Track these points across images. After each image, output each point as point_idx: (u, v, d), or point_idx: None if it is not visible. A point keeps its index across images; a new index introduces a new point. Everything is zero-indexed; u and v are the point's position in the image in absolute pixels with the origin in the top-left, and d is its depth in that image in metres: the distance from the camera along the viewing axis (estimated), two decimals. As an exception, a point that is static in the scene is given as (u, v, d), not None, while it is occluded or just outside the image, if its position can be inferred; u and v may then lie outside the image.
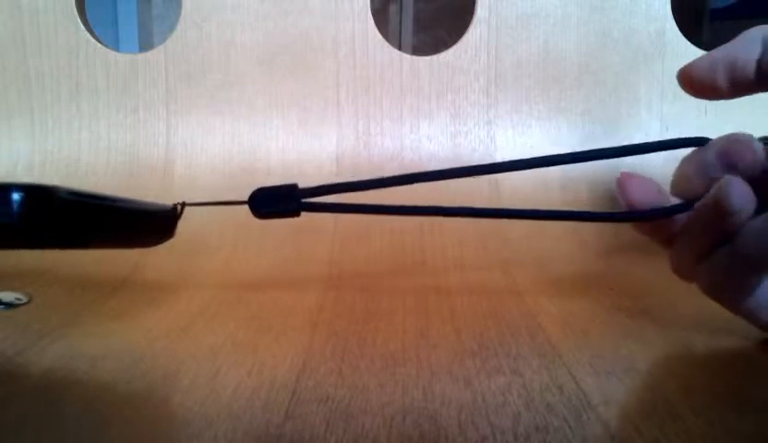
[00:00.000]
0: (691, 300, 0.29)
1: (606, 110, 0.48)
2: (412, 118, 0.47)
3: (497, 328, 0.30)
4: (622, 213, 0.27)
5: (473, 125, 0.48)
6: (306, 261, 0.40)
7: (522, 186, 0.46)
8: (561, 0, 0.48)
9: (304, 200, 0.28)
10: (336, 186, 0.29)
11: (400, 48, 0.48)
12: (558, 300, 0.34)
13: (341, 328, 0.30)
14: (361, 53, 0.47)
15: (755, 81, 0.25)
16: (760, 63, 0.25)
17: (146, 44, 1.62)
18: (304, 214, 0.29)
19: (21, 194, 0.22)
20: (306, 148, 0.47)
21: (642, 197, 0.26)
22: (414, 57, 0.48)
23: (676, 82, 0.27)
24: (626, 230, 0.28)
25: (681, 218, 0.26)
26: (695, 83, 0.26)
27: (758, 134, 0.26)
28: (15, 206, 0.22)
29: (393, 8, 1.39)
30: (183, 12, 0.47)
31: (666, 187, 0.28)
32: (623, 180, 0.26)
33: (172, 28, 0.47)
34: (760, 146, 0.25)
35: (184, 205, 0.30)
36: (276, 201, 0.28)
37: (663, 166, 0.28)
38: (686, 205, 0.26)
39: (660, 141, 0.28)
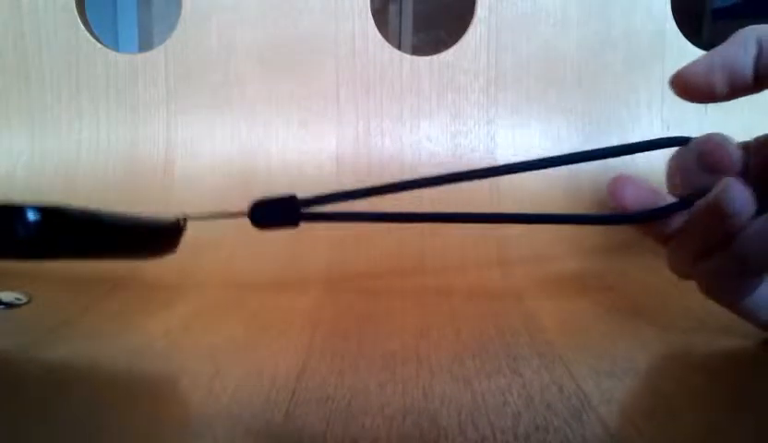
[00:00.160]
0: (689, 300, 0.29)
1: (606, 110, 0.48)
2: (412, 118, 0.47)
3: (497, 328, 0.30)
4: (616, 215, 0.27)
5: (473, 125, 0.48)
6: (306, 261, 0.40)
7: (522, 185, 0.46)
8: (561, 0, 0.48)
9: (303, 211, 0.29)
10: (335, 196, 0.29)
11: (399, 48, 0.48)
12: (557, 300, 0.34)
13: (341, 328, 0.30)
14: (361, 53, 0.47)
15: (752, 83, 0.25)
16: (756, 64, 0.25)
17: (145, 44, 1.62)
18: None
19: (38, 214, 0.23)
20: (306, 148, 0.47)
21: (634, 200, 0.26)
22: (414, 57, 0.48)
23: None
24: (625, 229, 0.28)
25: (678, 216, 0.26)
26: (690, 88, 0.26)
27: (758, 133, 0.26)
28: (31, 225, 0.23)
29: (393, 8, 1.39)
30: (183, 12, 0.47)
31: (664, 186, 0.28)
32: (614, 185, 0.26)
33: (172, 28, 0.47)
34: (735, 148, 0.25)
35: (186, 219, 0.30)
36: (275, 212, 0.29)
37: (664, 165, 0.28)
38: (680, 204, 0.26)
39: (644, 141, 0.28)
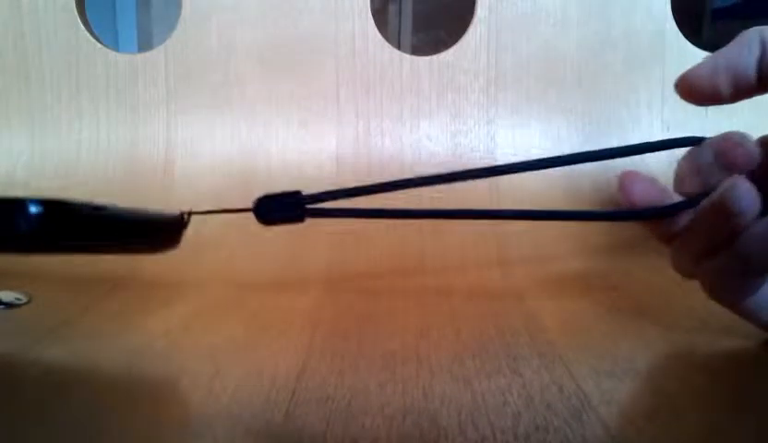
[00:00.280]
0: (692, 300, 0.29)
1: (606, 110, 0.48)
2: (412, 118, 0.47)
3: (497, 328, 0.30)
4: (623, 212, 0.27)
5: (473, 125, 0.48)
6: (306, 261, 0.40)
7: (522, 185, 0.46)
8: (561, 0, 0.48)
9: (308, 206, 0.29)
10: (339, 192, 0.29)
11: (399, 48, 0.48)
12: (558, 300, 0.34)
13: (341, 328, 0.30)
14: (361, 53, 0.47)
15: (756, 84, 0.25)
16: (760, 65, 0.25)
17: (145, 45, 1.62)
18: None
19: (40, 207, 0.23)
20: (306, 148, 0.47)
21: (643, 196, 0.26)
22: (414, 57, 0.48)
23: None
24: (627, 229, 0.28)
25: (684, 215, 0.26)
26: (695, 91, 0.26)
27: (759, 134, 0.26)
28: (33, 218, 0.23)
29: (393, 8, 1.39)
30: (183, 12, 0.47)
31: (670, 185, 0.27)
32: (624, 178, 0.26)
33: (171, 28, 0.47)
34: (754, 146, 0.25)
35: (190, 213, 0.30)
36: (280, 208, 0.29)
37: (670, 165, 0.28)
38: (688, 202, 0.26)
39: (657, 141, 0.28)
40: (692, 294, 0.28)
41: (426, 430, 0.20)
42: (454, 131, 0.48)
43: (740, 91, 0.25)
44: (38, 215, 0.23)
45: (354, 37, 0.47)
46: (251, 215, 0.29)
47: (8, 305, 0.32)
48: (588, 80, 0.48)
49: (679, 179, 0.27)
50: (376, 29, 0.47)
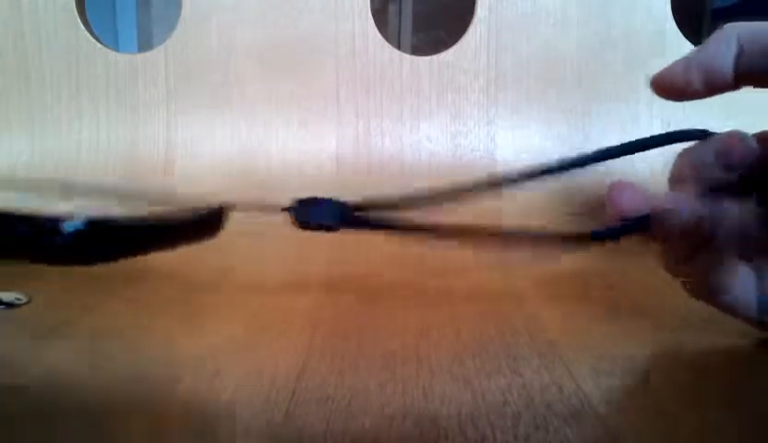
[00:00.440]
0: (692, 300, 0.29)
1: (606, 110, 0.48)
2: (412, 118, 0.47)
3: (497, 328, 0.30)
4: (574, 234, 0.27)
5: (473, 125, 0.48)
6: (307, 261, 0.40)
7: (523, 184, 0.46)
8: (561, 0, 0.48)
9: (352, 215, 0.28)
10: (383, 203, 0.28)
11: (399, 48, 0.48)
12: (557, 300, 0.34)
13: (341, 328, 0.30)
14: (361, 53, 0.47)
15: (732, 81, 0.25)
16: (737, 63, 0.24)
17: (145, 45, 1.62)
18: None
19: (77, 226, 0.24)
20: (306, 148, 0.47)
21: (631, 206, 0.26)
22: (414, 57, 0.48)
23: None
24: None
25: (676, 215, 0.26)
26: (668, 86, 0.26)
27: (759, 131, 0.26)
28: (71, 235, 0.24)
29: (393, 8, 1.39)
30: (183, 12, 0.47)
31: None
32: (613, 189, 0.27)
33: (171, 28, 0.47)
34: (752, 141, 0.25)
35: (226, 209, 0.30)
36: (321, 213, 0.28)
37: (665, 165, 0.28)
38: (638, 222, 0.26)
39: (660, 135, 0.27)
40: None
41: (426, 430, 0.20)
42: (454, 132, 0.48)
43: (714, 88, 0.25)
44: (76, 233, 0.24)
45: (354, 37, 0.47)
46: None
47: (8, 305, 0.32)
48: (588, 80, 0.48)
49: (675, 178, 0.27)
50: (376, 29, 0.47)
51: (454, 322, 0.31)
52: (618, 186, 0.26)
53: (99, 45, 0.47)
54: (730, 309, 0.27)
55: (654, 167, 0.32)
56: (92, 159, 0.47)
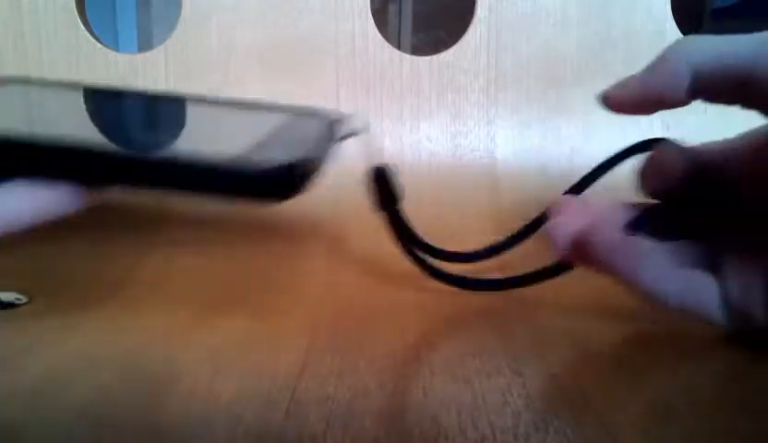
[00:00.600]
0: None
1: (606, 110, 0.48)
2: (412, 118, 0.47)
3: (497, 328, 0.30)
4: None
5: (473, 126, 0.48)
6: (307, 261, 0.40)
7: (522, 185, 0.46)
8: (561, 0, 0.48)
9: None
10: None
11: (399, 48, 0.48)
12: (558, 300, 0.34)
13: (341, 328, 0.30)
14: (361, 53, 0.47)
15: (685, 100, 0.24)
16: (691, 81, 0.24)
17: (145, 45, 1.62)
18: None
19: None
20: (306, 148, 0.47)
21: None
22: (414, 57, 0.48)
23: None
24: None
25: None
26: (619, 106, 0.26)
27: None
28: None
29: (393, 8, 1.39)
30: (183, 12, 0.47)
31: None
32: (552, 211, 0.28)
33: (171, 28, 0.47)
34: (682, 160, 0.26)
35: (307, 167, 0.24)
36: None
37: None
38: (510, 241, 0.30)
39: (625, 149, 0.29)
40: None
41: (426, 430, 0.20)
42: (454, 131, 0.48)
43: (667, 106, 0.25)
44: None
45: (353, 37, 0.47)
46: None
47: (8, 305, 0.32)
48: (588, 80, 0.48)
49: (642, 179, 0.28)
50: (376, 29, 0.47)
51: (454, 322, 0.31)
52: (554, 209, 0.28)
53: (99, 45, 0.47)
54: (692, 315, 0.27)
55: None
56: (92, 159, 0.47)
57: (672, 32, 0.48)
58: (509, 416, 0.21)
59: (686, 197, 0.27)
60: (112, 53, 0.47)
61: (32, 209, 0.22)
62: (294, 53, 0.47)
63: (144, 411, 0.22)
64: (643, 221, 0.27)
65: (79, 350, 0.27)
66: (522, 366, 0.25)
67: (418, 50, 0.51)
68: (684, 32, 0.49)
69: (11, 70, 0.47)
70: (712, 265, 0.26)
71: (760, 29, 0.24)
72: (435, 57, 0.48)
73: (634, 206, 0.28)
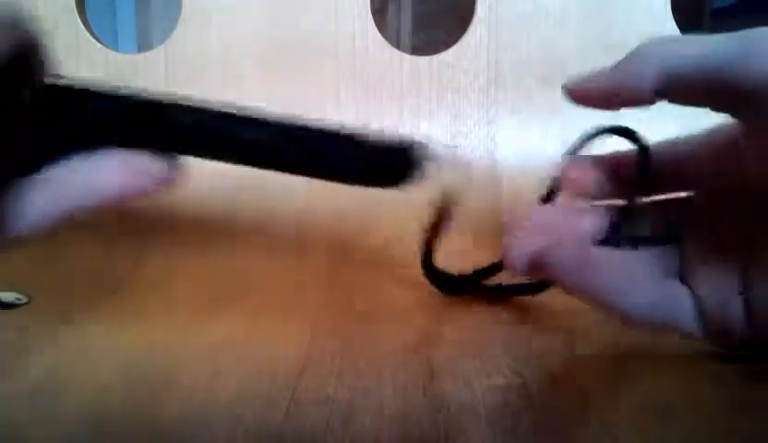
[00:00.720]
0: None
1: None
2: (412, 118, 0.47)
3: (497, 328, 0.30)
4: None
5: (473, 126, 0.48)
6: (307, 261, 0.40)
7: (523, 184, 0.46)
8: (561, 0, 0.48)
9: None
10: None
11: (398, 48, 0.48)
12: (558, 300, 0.34)
13: (341, 328, 0.30)
14: (361, 53, 0.47)
15: (651, 100, 0.24)
16: (656, 83, 0.23)
17: (144, 45, 1.62)
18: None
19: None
20: (306, 148, 0.47)
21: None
22: (414, 57, 0.48)
23: None
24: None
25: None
26: (583, 100, 0.26)
27: None
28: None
29: (392, 8, 1.39)
30: (183, 12, 0.47)
31: None
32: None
33: (171, 28, 0.47)
34: (589, 170, 0.26)
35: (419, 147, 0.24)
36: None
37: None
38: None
39: (591, 132, 0.28)
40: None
41: (426, 430, 0.20)
42: (454, 131, 0.48)
43: (632, 105, 0.25)
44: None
45: (354, 37, 0.47)
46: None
47: (8, 305, 0.32)
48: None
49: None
50: (376, 29, 0.47)
51: (454, 322, 0.31)
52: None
53: (99, 45, 0.47)
54: (667, 330, 0.25)
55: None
56: (92, 159, 0.47)
57: (672, 32, 0.48)
58: (509, 416, 0.21)
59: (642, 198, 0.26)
60: (112, 53, 0.47)
61: (124, 181, 0.20)
62: (294, 53, 0.47)
63: (144, 411, 0.22)
64: (615, 230, 0.26)
65: (79, 350, 0.27)
66: (521, 366, 0.25)
67: (418, 50, 0.51)
68: (684, 32, 0.49)
69: (11, 70, 0.47)
70: (685, 275, 0.25)
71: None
72: (435, 57, 0.47)
73: (606, 209, 0.27)
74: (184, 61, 0.47)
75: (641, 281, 0.25)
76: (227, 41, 0.47)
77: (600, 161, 0.27)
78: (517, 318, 0.31)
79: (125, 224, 0.40)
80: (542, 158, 0.47)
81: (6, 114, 0.18)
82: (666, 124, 0.28)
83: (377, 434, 0.20)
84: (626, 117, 0.27)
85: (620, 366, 0.26)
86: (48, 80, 0.20)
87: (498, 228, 0.43)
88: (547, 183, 0.29)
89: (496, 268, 0.33)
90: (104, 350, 0.27)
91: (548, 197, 0.30)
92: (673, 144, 0.26)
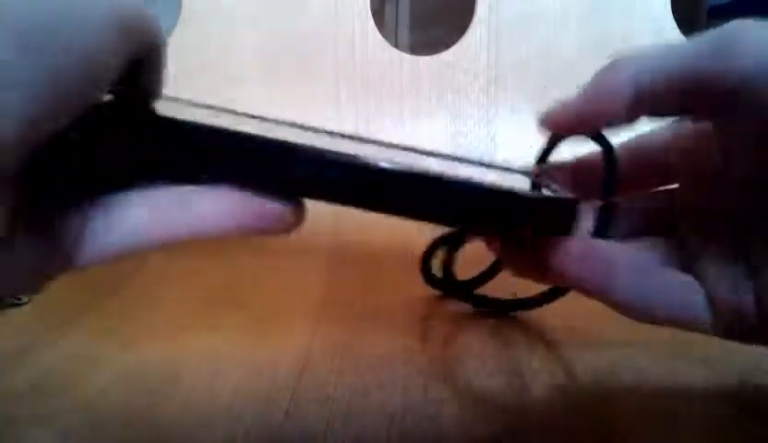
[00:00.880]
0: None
1: (605, 110, 0.48)
2: (412, 118, 0.47)
3: (497, 328, 0.30)
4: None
5: (473, 125, 0.48)
6: (307, 261, 0.40)
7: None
8: (561, 0, 0.48)
9: None
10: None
11: (396, 48, 0.48)
12: (558, 301, 0.34)
13: (341, 328, 0.30)
14: (361, 53, 0.47)
15: (627, 119, 0.24)
16: (633, 99, 0.23)
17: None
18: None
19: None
20: (306, 148, 0.47)
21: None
22: (414, 57, 0.48)
23: None
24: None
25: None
26: (561, 127, 0.26)
27: None
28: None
29: (390, 8, 1.39)
30: (183, 12, 0.47)
31: None
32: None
33: (171, 28, 0.47)
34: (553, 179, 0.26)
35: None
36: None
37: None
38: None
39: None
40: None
41: (426, 430, 0.20)
42: (454, 132, 0.48)
43: (608, 125, 0.25)
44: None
45: (353, 37, 0.47)
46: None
47: (8, 305, 0.32)
48: (588, 80, 0.48)
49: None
50: (376, 29, 0.47)
51: (454, 322, 0.31)
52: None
53: (99, 45, 0.47)
54: (676, 323, 0.24)
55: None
56: (92, 159, 0.47)
57: (672, 32, 0.48)
58: (508, 416, 0.21)
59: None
60: (112, 53, 0.47)
61: (229, 218, 0.19)
62: (294, 53, 0.47)
63: (144, 411, 0.22)
64: (601, 227, 0.25)
65: (79, 350, 0.27)
66: (521, 366, 0.25)
67: (417, 50, 0.51)
68: (683, 32, 0.49)
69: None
70: (690, 266, 0.24)
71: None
72: (435, 57, 0.48)
73: (600, 203, 0.26)
74: (184, 61, 0.47)
75: (647, 272, 0.25)
76: (227, 41, 0.47)
77: (569, 165, 0.27)
78: (517, 318, 0.31)
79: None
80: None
81: (107, 137, 0.17)
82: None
83: (377, 434, 0.20)
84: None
85: (621, 367, 0.26)
86: (160, 114, 0.18)
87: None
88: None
89: (489, 273, 0.32)
90: (104, 350, 0.27)
91: None
92: (651, 136, 0.26)
